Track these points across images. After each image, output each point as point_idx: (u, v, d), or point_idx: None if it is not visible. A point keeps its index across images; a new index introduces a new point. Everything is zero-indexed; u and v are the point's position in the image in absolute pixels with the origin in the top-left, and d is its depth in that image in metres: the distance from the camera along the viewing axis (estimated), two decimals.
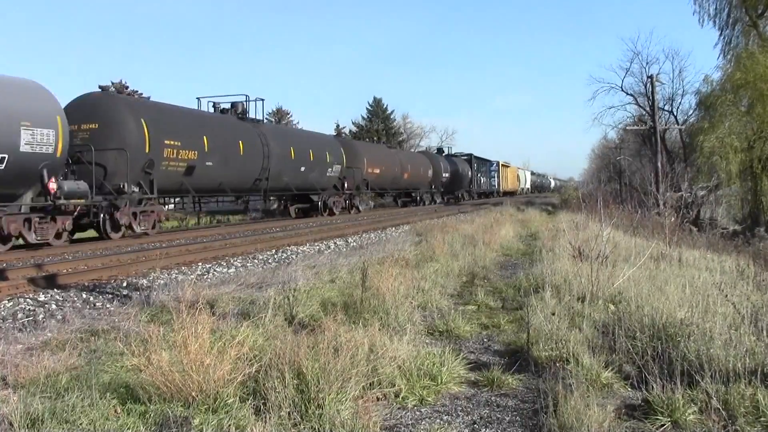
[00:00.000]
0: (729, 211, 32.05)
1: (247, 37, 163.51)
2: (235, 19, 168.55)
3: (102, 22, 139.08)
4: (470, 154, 56.37)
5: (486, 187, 62.52)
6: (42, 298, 7.96)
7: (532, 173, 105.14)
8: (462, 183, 50.67)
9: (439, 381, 4.32)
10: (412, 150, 59.59)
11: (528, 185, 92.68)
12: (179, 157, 17.50)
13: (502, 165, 69.37)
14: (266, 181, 22.33)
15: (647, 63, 37.24)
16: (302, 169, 24.54)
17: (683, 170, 24.07)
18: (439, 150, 54.29)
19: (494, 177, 65.43)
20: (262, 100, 24.06)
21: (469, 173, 52.85)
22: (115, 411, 3.70)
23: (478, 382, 4.47)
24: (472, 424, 3.77)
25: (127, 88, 17.33)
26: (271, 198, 26.02)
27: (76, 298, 7.99)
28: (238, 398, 3.78)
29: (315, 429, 3.51)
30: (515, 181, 77.41)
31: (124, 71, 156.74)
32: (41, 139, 12.89)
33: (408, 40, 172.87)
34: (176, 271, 10.33)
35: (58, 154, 13.30)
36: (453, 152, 58.19)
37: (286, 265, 10.29)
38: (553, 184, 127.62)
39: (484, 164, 63.20)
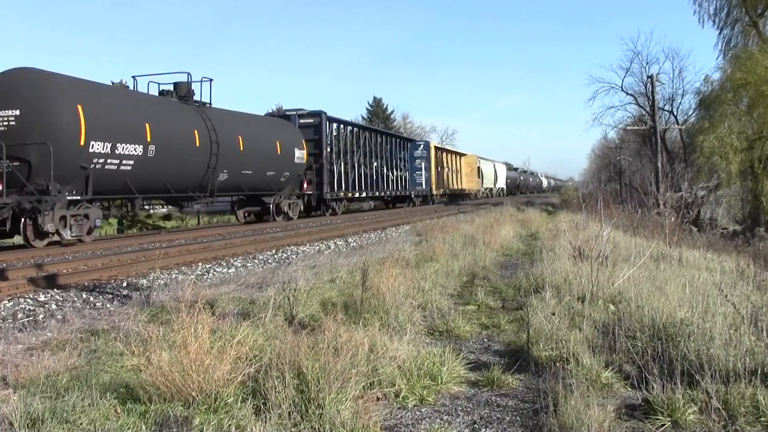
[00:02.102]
0: (729, 211, 32.08)
1: (248, 36, 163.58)
2: (235, 18, 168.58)
3: (102, 21, 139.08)
4: (320, 113, 27.24)
5: (393, 186, 36.14)
6: (42, 298, 7.95)
7: (510, 168, 79.61)
8: (279, 180, 22.50)
9: (439, 381, 4.32)
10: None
11: (502, 185, 68.12)
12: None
13: (440, 149, 44.77)
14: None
15: (647, 63, 37.44)
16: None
17: (683, 170, 24.10)
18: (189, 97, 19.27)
19: (420, 169, 39.77)
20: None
21: (299, 157, 23.96)
22: (116, 411, 3.70)
23: (478, 382, 4.46)
24: (472, 424, 3.77)
25: (127, 87, 17.38)
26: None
27: (76, 298, 7.98)
28: (238, 398, 3.78)
29: (315, 429, 3.51)
30: (473, 178, 53.52)
31: (125, 70, 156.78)
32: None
33: (408, 40, 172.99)
34: (176, 271, 10.33)
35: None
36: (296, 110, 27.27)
37: (286, 265, 10.29)
38: (545, 183, 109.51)
39: (391, 142, 36.57)
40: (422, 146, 41.66)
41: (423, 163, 40.23)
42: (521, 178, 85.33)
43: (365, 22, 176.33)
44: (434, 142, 46.09)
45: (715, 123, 27.43)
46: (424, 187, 40.23)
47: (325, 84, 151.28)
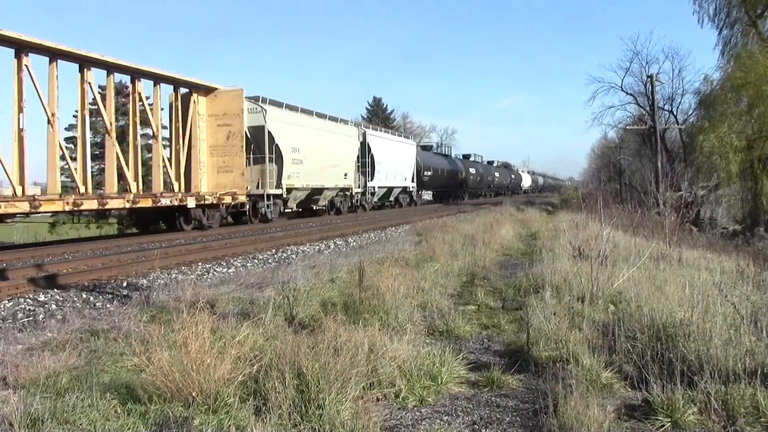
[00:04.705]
0: (729, 210, 32.04)
1: (248, 37, 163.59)
2: (236, 19, 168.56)
3: (101, 20, 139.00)
4: None
5: None
6: (42, 298, 7.96)
7: (444, 154, 47.86)
8: None
9: (439, 381, 4.32)
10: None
11: (393, 182, 34.28)
12: None
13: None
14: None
15: (647, 63, 37.26)
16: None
17: (683, 170, 24.09)
18: None
19: None
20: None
21: None
22: (116, 411, 3.70)
23: (478, 383, 4.47)
24: (472, 424, 3.77)
25: (126, 87, 17.38)
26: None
27: (76, 298, 7.98)
28: (238, 398, 3.78)
29: (315, 429, 3.51)
30: (233, 158, 19.56)
31: None
32: None
33: (408, 40, 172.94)
34: (176, 271, 10.33)
35: None
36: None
37: (286, 265, 10.29)
38: (527, 181, 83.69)
39: None
40: None
41: None
42: (471, 171, 50.97)
43: (366, 22, 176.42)
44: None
45: (714, 123, 27.39)
46: None
47: (325, 84, 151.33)
